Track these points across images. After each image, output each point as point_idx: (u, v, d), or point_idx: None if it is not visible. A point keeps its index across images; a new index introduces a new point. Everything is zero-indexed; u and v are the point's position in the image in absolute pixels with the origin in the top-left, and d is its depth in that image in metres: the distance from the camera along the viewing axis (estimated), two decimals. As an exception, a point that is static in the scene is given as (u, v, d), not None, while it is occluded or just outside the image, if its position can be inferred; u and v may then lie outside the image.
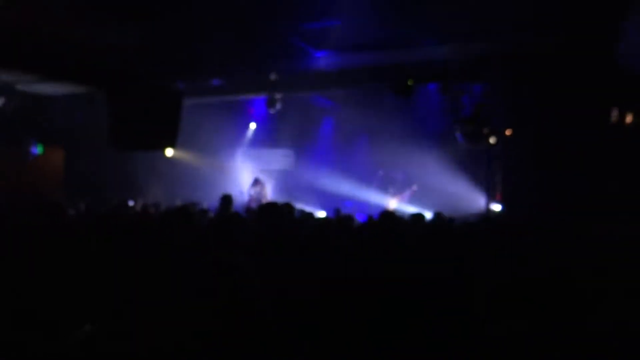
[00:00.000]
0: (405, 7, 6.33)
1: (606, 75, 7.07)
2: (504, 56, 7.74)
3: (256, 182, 11.72)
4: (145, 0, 6.21)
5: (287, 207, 5.97)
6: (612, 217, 6.46)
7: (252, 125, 13.25)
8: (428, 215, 7.02)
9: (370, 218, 7.35)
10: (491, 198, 9.07)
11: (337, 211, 8.08)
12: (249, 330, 1.66)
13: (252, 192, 11.56)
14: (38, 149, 10.59)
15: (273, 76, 9.37)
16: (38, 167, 10.70)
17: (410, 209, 9.60)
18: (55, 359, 2.01)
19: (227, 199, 7.12)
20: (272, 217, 4.41)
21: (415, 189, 10.91)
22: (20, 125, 10.06)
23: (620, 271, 3.21)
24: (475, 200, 10.15)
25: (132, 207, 8.77)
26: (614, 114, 7.55)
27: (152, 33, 7.16)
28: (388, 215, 4.48)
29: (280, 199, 8.85)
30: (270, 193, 11.77)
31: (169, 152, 10.63)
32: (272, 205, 4.35)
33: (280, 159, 13.38)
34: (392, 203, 11.10)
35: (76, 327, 2.02)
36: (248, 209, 7.99)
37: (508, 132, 8.46)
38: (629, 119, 7.82)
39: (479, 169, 10.08)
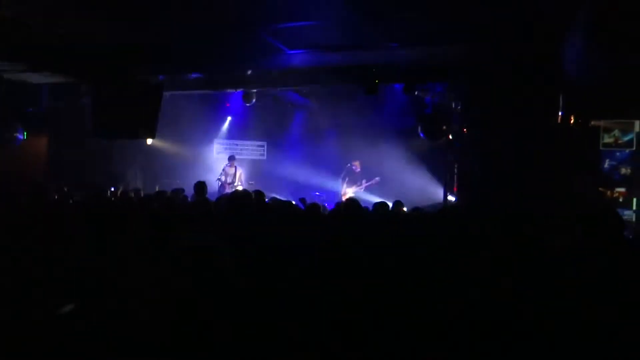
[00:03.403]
0: (372, 12, 6.66)
1: (553, 80, 7.56)
2: (461, 60, 8.23)
3: (231, 159, 12.08)
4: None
5: (258, 195, 6.49)
6: (554, 207, 7.00)
7: (228, 118, 13.55)
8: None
9: (338, 205, 7.75)
10: (448, 190, 9.61)
11: (303, 200, 8.39)
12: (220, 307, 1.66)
13: (227, 171, 11.88)
14: (23, 135, 10.74)
15: (248, 72, 9.85)
16: (23, 153, 10.84)
17: (374, 199, 10.00)
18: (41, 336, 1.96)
19: (201, 186, 7.55)
20: (241, 202, 4.84)
21: (378, 180, 11.19)
22: (5, 112, 10.19)
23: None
24: (434, 191, 10.69)
25: (113, 193, 9.10)
26: (559, 116, 8.12)
27: (135, 29, 7.47)
28: (352, 202, 4.94)
29: (253, 188, 9.26)
30: (243, 179, 12.16)
31: (149, 141, 10.96)
32: (243, 192, 4.71)
33: (253, 150, 13.76)
34: (351, 192, 11.42)
35: (59, 304, 2.05)
36: (221, 196, 8.29)
37: (464, 130, 9.03)
38: (572, 120, 8.43)
39: (439, 163, 10.65)
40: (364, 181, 11.37)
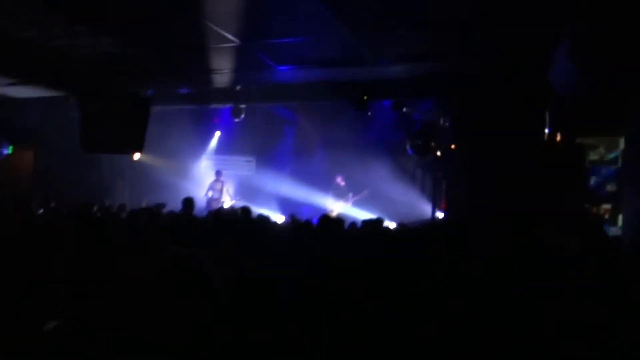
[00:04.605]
0: (361, 29, 6.72)
1: (539, 97, 7.70)
2: (449, 77, 8.26)
3: (217, 174, 12.02)
4: (117, 12, 6.34)
5: (244, 210, 6.46)
6: (541, 224, 7.02)
7: (217, 133, 13.55)
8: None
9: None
10: (437, 206, 9.63)
11: (292, 216, 8.39)
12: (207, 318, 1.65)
13: (214, 186, 11.84)
14: (8, 150, 10.65)
15: (238, 87, 9.86)
16: (8, 167, 10.75)
17: (363, 215, 10.00)
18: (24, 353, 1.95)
19: (189, 202, 7.50)
20: (228, 218, 4.81)
21: (367, 192, 11.19)
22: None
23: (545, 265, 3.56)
24: (422, 208, 10.72)
25: (100, 207, 9.01)
26: (545, 132, 8.18)
27: (123, 44, 7.48)
28: (327, 218, 4.96)
29: (240, 203, 9.22)
30: (231, 194, 12.10)
31: (137, 155, 10.88)
32: (229, 208, 4.70)
33: (242, 165, 13.72)
34: (338, 206, 11.45)
35: (42, 322, 1.99)
36: (209, 211, 8.26)
37: (452, 146, 9.10)
38: (558, 136, 8.49)
39: (427, 179, 10.71)
40: (350, 195, 11.36)
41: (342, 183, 11.45)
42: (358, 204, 11.33)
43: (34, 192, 10.49)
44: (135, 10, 6.25)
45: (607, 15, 5.35)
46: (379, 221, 6.40)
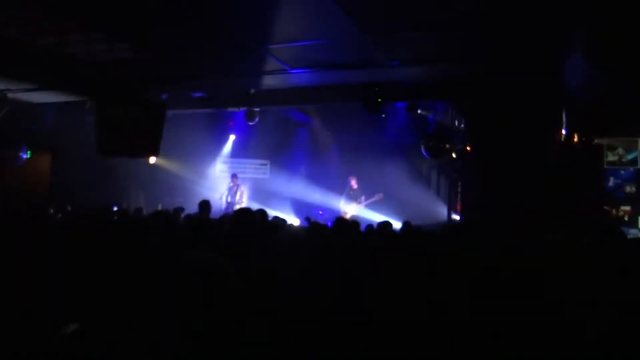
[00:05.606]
0: (375, 32, 6.72)
1: (555, 98, 7.69)
2: (463, 79, 8.20)
3: (233, 177, 12.11)
4: (134, 19, 6.40)
5: (261, 213, 6.48)
6: (557, 227, 6.95)
7: (231, 137, 13.61)
8: (396, 223, 7.46)
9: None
10: (452, 208, 9.58)
11: (308, 219, 8.38)
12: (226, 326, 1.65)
13: (231, 190, 11.92)
14: (26, 154, 10.77)
15: (252, 91, 9.91)
16: (26, 172, 10.89)
17: (378, 217, 9.97)
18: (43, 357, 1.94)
19: (205, 205, 7.54)
20: (245, 220, 4.82)
21: (381, 197, 11.12)
22: (9, 130, 10.25)
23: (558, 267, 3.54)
24: (438, 210, 10.65)
25: (116, 211, 9.08)
26: (562, 134, 8.10)
27: (138, 48, 7.56)
28: (343, 220, 4.95)
29: (255, 206, 9.24)
30: (246, 197, 12.14)
31: (152, 159, 10.97)
32: (246, 210, 4.71)
33: (256, 168, 13.79)
34: (351, 209, 11.46)
35: (61, 325, 1.98)
36: (225, 214, 8.27)
37: (468, 148, 9.02)
38: (575, 138, 8.41)
39: (442, 181, 10.66)
40: (362, 198, 11.30)
41: (355, 186, 11.41)
42: (371, 206, 11.28)
43: (51, 196, 10.60)
44: (150, 16, 6.31)
45: (622, 18, 5.31)
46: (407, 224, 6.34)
